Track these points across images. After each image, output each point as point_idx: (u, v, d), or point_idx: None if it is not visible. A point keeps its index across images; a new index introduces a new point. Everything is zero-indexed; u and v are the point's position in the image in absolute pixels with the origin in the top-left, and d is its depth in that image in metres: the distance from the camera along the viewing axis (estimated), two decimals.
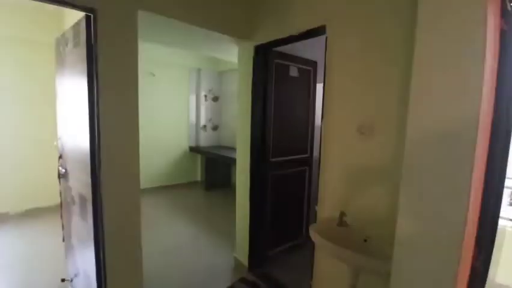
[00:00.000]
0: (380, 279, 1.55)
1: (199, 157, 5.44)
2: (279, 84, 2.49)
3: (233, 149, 5.02)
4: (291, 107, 2.66)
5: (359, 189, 1.64)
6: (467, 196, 0.83)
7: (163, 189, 4.98)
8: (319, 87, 2.92)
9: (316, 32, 1.81)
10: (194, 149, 5.26)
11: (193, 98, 5.25)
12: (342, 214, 1.65)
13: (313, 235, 1.59)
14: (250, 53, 2.36)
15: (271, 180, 2.55)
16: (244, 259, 2.59)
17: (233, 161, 4.45)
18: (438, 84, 0.86)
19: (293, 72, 2.64)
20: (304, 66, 2.73)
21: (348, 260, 1.49)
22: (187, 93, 5.17)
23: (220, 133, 5.53)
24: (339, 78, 1.70)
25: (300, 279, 2.43)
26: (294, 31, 1.94)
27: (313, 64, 2.82)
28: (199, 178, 5.50)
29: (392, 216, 1.50)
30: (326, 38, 1.73)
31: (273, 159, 2.55)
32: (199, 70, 5.16)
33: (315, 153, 2.99)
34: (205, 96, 5.27)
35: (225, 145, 5.41)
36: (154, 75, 4.60)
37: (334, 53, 1.70)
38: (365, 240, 1.55)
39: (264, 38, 2.24)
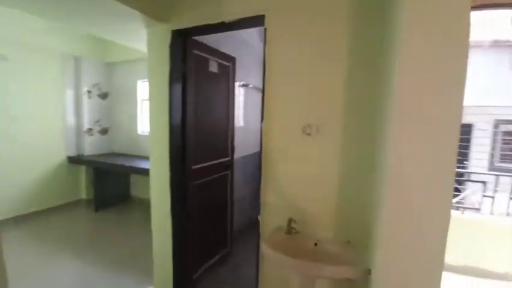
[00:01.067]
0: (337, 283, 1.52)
1: (82, 169, 4.29)
2: (198, 81, 2.16)
3: (131, 156, 4.24)
4: (211, 107, 2.37)
5: (305, 192, 1.56)
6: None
7: (32, 217, 3.63)
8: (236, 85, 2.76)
9: (254, 21, 1.62)
10: (74, 160, 4.09)
11: (70, 94, 4.07)
12: (291, 221, 1.53)
13: (266, 250, 1.40)
14: (165, 39, 1.93)
15: (194, 191, 2.19)
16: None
17: (133, 170, 3.72)
18: (424, 83, 0.83)
19: (213, 67, 2.36)
20: (224, 62, 2.50)
21: (306, 271, 1.37)
22: (60, 87, 3.95)
23: (112, 137, 4.54)
24: (281, 76, 1.57)
25: None
26: (226, 17, 1.68)
27: (232, 60, 2.63)
28: (83, 196, 4.34)
29: (339, 215, 1.49)
30: (265, 29, 1.57)
31: (195, 167, 2.20)
32: (78, 59, 4.04)
33: (236, 155, 2.83)
34: (89, 92, 4.19)
35: (119, 152, 4.49)
36: (7, 59, 3.26)
37: (274, 47, 1.56)
38: (316, 244, 1.49)
39: (184, 22, 1.87)
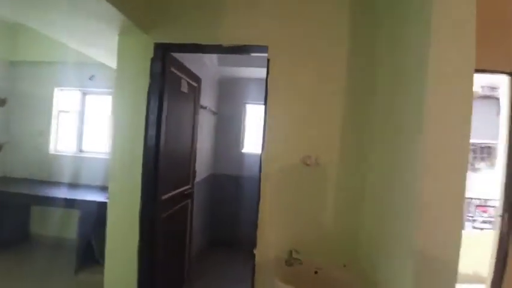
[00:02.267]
0: None
1: None
2: (171, 100, 1.95)
3: (35, 181, 3.33)
4: (179, 129, 2.17)
5: (304, 221, 1.60)
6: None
7: None
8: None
9: (255, 49, 1.63)
10: None
11: None
12: (291, 252, 1.53)
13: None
14: (144, 50, 1.69)
15: (162, 225, 1.90)
16: None
17: (37, 200, 2.92)
18: None
19: (184, 87, 2.19)
20: (192, 82, 2.35)
21: None
22: None
23: (7, 157, 3.45)
24: (282, 106, 1.61)
25: None
26: (225, 41, 1.63)
27: (199, 80, 2.51)
28: None
29: (334, 242, 1.58)
30: (268, 60, 1.60)
31: (164, 197, 1.93)
32: None
33: (198, 178, 2.62)
34: None
35: (16, 176, 3.44)
36: None
37: (277, 76, 1.60)
38: (316, 272, 1.52)
39: (166, 35, 1.70)
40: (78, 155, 3.55)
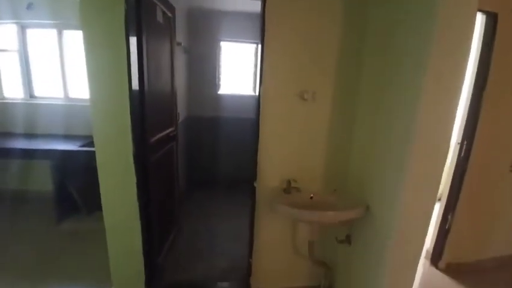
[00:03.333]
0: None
1: None
2: (148, 34, 1.71)
3: None
4: (159, 68, 1.97)
5: (300, 153, 1.68)
6: None
7: None
8: None
9: None
10: None
11: None
12: (290, 181, 1.64)
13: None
14: None
15: (153, 167, 1.86)
16: (136, 286, 1.82)
17: None
18: None
19: (159, 16, 1.91)
20: (167, 11, 2.06)
21: (322, 219, 1.54)
22: None
23: None
24: (281, 40, 1.52)
25: (209, 266, 2.17)
26: None
27: (173, 10, 2.21)
28: None
29: (326, 169, 1.73)
30: None
31: (152, 140, 1.85)
32: None
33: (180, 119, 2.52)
34: None
35: None
36: None
37: (274, 9, 1.46)
38: (311, 197, 1.68)
39: None
40: (30, 102, 3.12)
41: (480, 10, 1.89)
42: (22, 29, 2.93)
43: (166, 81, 2.15)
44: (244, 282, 1.94)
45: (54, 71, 3.07)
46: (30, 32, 2.98)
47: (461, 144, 2.13)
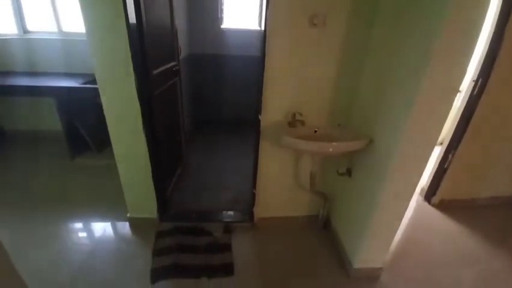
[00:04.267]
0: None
1: None
2: None
3: None
4: (156, 1, 1.80)
5: (306, 85, 1.63)
6: None
7: None
8: None
9: None
10: None
11: None
12: (295, 115, 1.64)
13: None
14: None
15: (157, 101, 1.85)
16: (148, 213, 1.98)
17: None
18: None
19: None
20: None
21: (325, 150, 1.57)
22: None
23: None
24: None
25: (215, 198, 2.32)
26: None
27: None
28: None
29: (332, 103, 1.70)
30: None
31: (155, 72, 1.79)
32: None
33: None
34: None
35: None
36: None
37: None
38: (315, 131, 1.69)
39: None
40: (24, 37, 2.97)
41: None
42: None
43: (165, 13, 1.99)
44: (248, 211, 2.09)
45: (44, 3, 2.85)
46: None
47: (476, 81, 2.04)
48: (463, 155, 2.24)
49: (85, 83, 2.62)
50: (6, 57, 2.95)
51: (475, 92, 2.05)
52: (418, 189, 2.63)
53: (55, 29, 2.98)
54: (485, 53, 1.97)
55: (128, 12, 1.40)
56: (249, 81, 3.39)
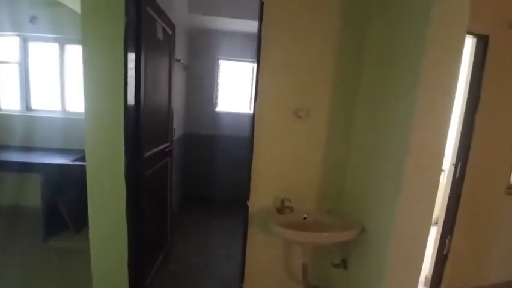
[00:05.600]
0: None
1: None
2: (147, 49, 1.73)
3: None
4: (157, 82, 1.99)
5: (294, 172, 1.66)
6: None
7: None
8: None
9: None
10: None
11: None
12: (283, 201, 1.61)
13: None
14: None
15: (146, 183, 1.82)
16: None
17: None
18: None
19: (159, 33, 1.96)
20: (167, 29, 2.11)
21: (316, 241, 1.50)
22: None
23: None
24: (275, 59, 1.55)
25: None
26: None
27: (174, 28, 2.26)
28: None
29: (321, 189, 1.70)
30: (262, 4, 1.47)
31: (147, 154, 1.82)
32: None
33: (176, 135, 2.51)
34: None
35: None
36: None
37: (272, 26, 1.50)
38: (305, 218, 1.64)
39: None
40: (27, 114, 3.11)
41: (470, 33, 1.94)
42: (24, 41, 2.98)
43: (163, 97, 2.16)
44: None
45: (53, 84, 3.08)
46: (32, 45, 3.02)
47: (456, 165, 2.12)
48: (461, 239, 2.15)
49: (76, 160, 2.62)
50: (5, 131, 3.02)
51: (457, 175, 2.11)
52: (422, 279, 2.42)
53: (59, 108, 3.14)
54: (459, 138, 2.11)
55: (128, 96, 1.50)
56: (240, 161, 3.48)
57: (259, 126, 1.57)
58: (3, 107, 3.14)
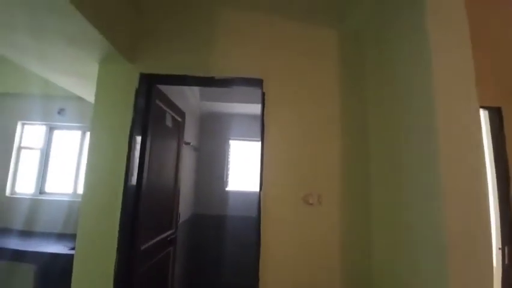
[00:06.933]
0: None
1: None
2: (154, 136, 1.77)
3: None
4: (162, 168, 1.96)
5: (307, 264, 1.41)
6: None
7: None
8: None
9: (249, 83, 1.55)
10: None
11: None
12: None
13: None
14: (128, 81, 1.55)
15: (139, 282, 1.59)
16: None
17: None
18: None
19: (168, 121, 2.04)
20: (177, 117, 2.21)
21: None
22: None
23: None
24: (279, 142, 1.51)
25: None
26: (217, 73, 1.54)
27: (183, 115, 2.38)
28: None
29: (347, 281, 1.40)
30: (263, 93, 1.52)
31: (144, 247, 1.65)
32: None
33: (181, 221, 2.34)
34: None
35: None
36: None
37: (273, 111, 1.52)
38: None
39: (153, 66, 1.59)
40: (37, 198, 3.11)
41: (482, 107, 1.90)
42: (50, 130, 3.21)
43: (169, 181, 2.11)
44: None
45: (69, 167, 3.18)
46: (56, 133, 3.25)
47: (503, 249, 1.79)
48: None
49: (73, 248, 2.44)
50: (11, 215, 2.97)
51: (506, 261, 1.76)
52: None
53: (71, 191, 3.15)
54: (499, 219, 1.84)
55: (128, 180, 1.44)
56: (251, 244, 3.17)
57: (267, 214, 1.42)
58: (18, 191, 3.18)
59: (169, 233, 2.08)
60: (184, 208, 2.89)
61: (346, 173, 1.49)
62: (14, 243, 2.52)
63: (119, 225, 1.42)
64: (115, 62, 1.53)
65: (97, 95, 1.55)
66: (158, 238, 1.86)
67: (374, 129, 1.49)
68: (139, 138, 1.55)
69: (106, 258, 1.41)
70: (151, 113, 1.67)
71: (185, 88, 2.76)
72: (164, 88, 1.88)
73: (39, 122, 3.15)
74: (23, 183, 3.19)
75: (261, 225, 1.42)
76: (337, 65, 1.58)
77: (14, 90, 2.99)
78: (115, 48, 1.38)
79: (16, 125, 3.10)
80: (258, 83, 1.54)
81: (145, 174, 1.61)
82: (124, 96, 1.53)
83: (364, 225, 1.45)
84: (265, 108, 1.52)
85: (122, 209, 1.43)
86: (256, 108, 3.20)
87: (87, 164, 1.49)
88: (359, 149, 1.51)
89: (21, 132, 3.17)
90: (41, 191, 3.21)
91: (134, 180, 1.52)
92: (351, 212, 1.46)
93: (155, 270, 1.85)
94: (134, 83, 1.54)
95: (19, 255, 2.38)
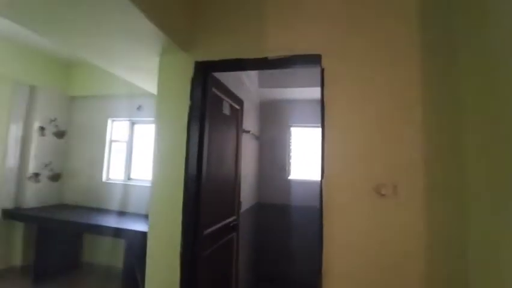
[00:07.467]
0: None
1: (20, 227, 3.26)
2: (212, 124, 1.78)
3: (87, 208, 3.43)
4: (222, 156, 1.99)
5: (384, 269, 1.22)
6: None
7: None
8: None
9: (306, 60, 1.40)
10: (11, 214, 3.11)
11: (15, 129, 3.26)
12: None
13: None
14: (184, 71, 1.58)
15: (203, 264, 1.66)
16: None
17: (86, 228, 2.94)
18: None
19: (226, 109, 2.04)
20: (235, 104, 2.20)
21: None
22: (4, 121, 3.14)
23: (64, 185, 3.66)
24: (345, 124, 1.32)
25: None
26: (271, 53, 1.44)
27: (241, 103, 2.36)
28: (18, 262, 3.23)
29: None
30: (322, 70, 1.35)
31: (207, 231, 1.71)
32: (34, 88, 3.35)
33: (242, 209, 2.38)
34: (42, 129, 3.42)
35: (71, 203, 3.60)
36: None
37: (334, 89, 1.33)
38: None
39: (207, 53, 1.58)
40: (126, 183, 3.62)
41: None
42: (132, 124, 3.67)
43: (229, 169, 2.13)
44: None
45: (148, 157, 3.58)
46: (136, 127, 3.69)
47: None
48: None
49: None
50: (109, 197, 3.54)
51: None
52: None
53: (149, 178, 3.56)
54: None
55: (189, 169, 1.49)
56: (315, 233, 3.02)
57: (331, 208, 1.27)
58: (111, 177, 3.76)
59: (231, 219, 2.12)
60: (248, 197, 2.93)
61: (432, 162, 1.20)
62: (112, 222, 2.98)
63: (182, 212, 1.49)
64: (172, 52, 1.57)
65: (158, 87, 1.64)
66: (220, 224, 1.90)
67: (471, 110, 1.16)
68: (196, 128, 1.58)
69: (173, 239, 1.50)
70: (208, 101, 1.68)
71: (244, 76, 2.73)
72: (221, 77, 1.87)
73: (123, 118, 3.62)
74: (114, 171, 3.75)
75: (324, 216, 1.28)
76: (417, 30, 1.28)
77: (103, 92, 3.49)
78: (171, 39, 1.42)
79: (107, 121, 3.63)
80: (316, 59, 1.37)
81: (204, 163, 1.64)
82: (181, 86, 1.57)
83: (457, 222, 1.16)
84: (325, 87, 1.34)
85: (183, 197, 1.50)
86: (318, 92, 2.99)
87: (153, 154, 1.60)
88: (450, 132, 1.20)
89: (111, 127, 3.70)
90: (128, 177, 3.72)
91: (194, 169, 1.56)
92: (439, 206, 1.18)
93: (220, 253, 1.91)
94: (190, 72, 1.56)
95: (117, 232, 2.81)
